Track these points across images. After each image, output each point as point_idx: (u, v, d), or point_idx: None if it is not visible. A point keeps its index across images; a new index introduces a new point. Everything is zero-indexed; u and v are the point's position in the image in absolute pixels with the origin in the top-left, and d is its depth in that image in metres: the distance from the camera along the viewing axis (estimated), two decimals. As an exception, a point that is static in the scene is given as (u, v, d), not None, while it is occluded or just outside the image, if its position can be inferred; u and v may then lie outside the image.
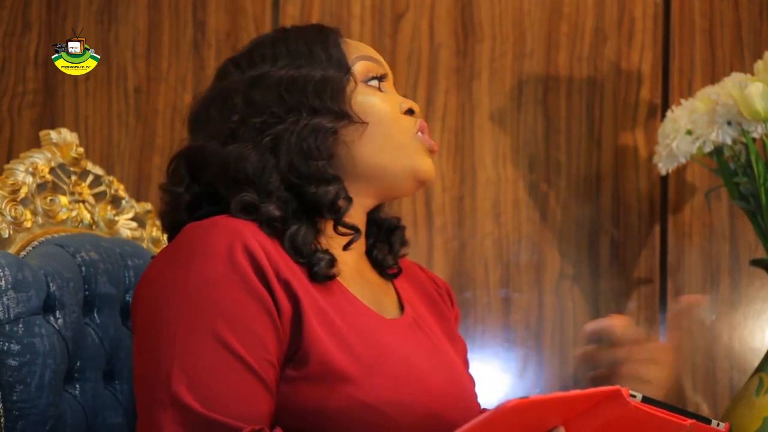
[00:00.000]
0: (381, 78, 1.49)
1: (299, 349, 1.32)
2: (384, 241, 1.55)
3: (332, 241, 1.44)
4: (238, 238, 1.32)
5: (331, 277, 1.40)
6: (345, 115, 1.42)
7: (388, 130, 1.45)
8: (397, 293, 1.53)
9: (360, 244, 1.50)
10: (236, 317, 1.29)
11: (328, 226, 1.44)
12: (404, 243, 1.58)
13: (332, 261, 1.40)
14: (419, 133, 1.48)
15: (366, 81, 1.47)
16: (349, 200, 1.43)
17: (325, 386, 1.31)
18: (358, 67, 1.47)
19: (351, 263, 1.47)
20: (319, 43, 1.47)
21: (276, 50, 1.47)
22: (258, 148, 1.40)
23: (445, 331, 1.56)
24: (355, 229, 1.45)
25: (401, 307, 1.51)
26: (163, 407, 1.27)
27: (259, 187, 1.38)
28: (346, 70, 1.45)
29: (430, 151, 1.49)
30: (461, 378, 1.50)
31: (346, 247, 1.45)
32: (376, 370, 1.34)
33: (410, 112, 1.49)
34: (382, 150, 1.44)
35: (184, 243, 1.35)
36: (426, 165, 1.47)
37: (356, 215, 1.46)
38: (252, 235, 1.33)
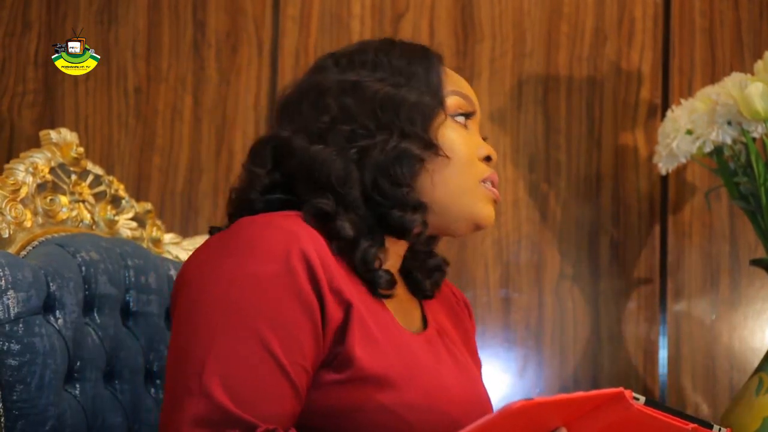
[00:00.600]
0: (468, 115, 1.49)
1: (339, 354, 1.33)
2: (424, 270, 1.56)
3: (388, 259, 1.45)
4: (296, 242, 1.31)
5: (390, 296, 1.42)
6: (432, 146, 1.42)
7: (460, 170, 1.44)
8: (422, 307, 1.54)
9: (396, 261, 1.50)
10: (280, 319, 1.29)
11: (388, 243, 1.45)
12: (438, 285, 1.58)
13: (392, 281, 1.41)
14: (488, 182, 1.47)
15: (454, 115, 1.47)
16: (426, 226, 1.44)
17: (360, 391, 1.32)
18: (451, 101, 1.47)
19: None
20: (421, 65, 1.47)
21: (378, 59, 1.46)
22: (344, 156, 1.39)
23: (465, 343, 1.58)
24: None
25: (424, 321, 1.52)
26: (190, 396, 1.26)
27: (339, 196, 1.39)
28: (440, 100, 1.45)
29: (494, 201, 1.48)
30: (481, 390, 1.52)
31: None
32: (407, 380, 1.35)
33: (488, 159, 1.49)
34: (447, 187, 1.44)
35: (240, 236, 1.34)
36: (486, 213, 1.47)
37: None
38: (309, 240, 1.33)
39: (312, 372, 1.32)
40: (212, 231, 1.45)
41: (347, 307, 1.34)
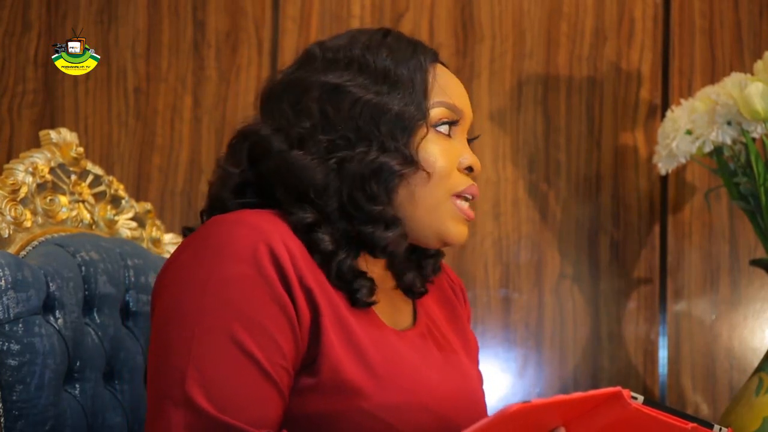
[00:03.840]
0: (453, 123, 1.43)
1: (315, 357, 1.31)
2: (412, 265, 1.51)
3: (370, 264, 1.43)
4: (264, 239, 1.29)
5: (372, 304, 1.38)
6: (413, 161, 1.37)
7: (436, 184, 1.39)
8: (414, 301, 1.51)
9: (381, 261, 1.47)
10: (255, 320, 1.28)
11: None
12: (436, 270, 1.54)
13: (373, 289, 1.38)
14: (462, 198, 1.42)
15: (437, 125, 1.41)
16: (405, 238, 1.41)
17: (336, 397, 1.30)
18: (435, 111, 1.41)
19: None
20: (409, 68, 1.41)
21: (364, 59, 1.40)
22: (323, 166, 1.36)
23: (459, 334, 1.55)
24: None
25: (415, 316, 1.49)
26: (175, 405, 1.25)
27: (317, 207, 1.36)
28: (423, 112, 1.40)
29: (466, 220, 1.43)
30: (472, 387, 1.49)
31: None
32: (387, 381, 1.33)
33: (469, 169, 1.43)
34: (421, 202, 1.40)
35: (209, 238, 1.32)
36: (456, 232, 1.42)
37: None
38: (279, 237, 1.31)
39: (293, 372, 1.31)
40: (185, 232, 1.43)
41: (315, 308, 1.32)
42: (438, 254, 1.54)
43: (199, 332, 1.27)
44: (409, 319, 1.49)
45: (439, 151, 1.40)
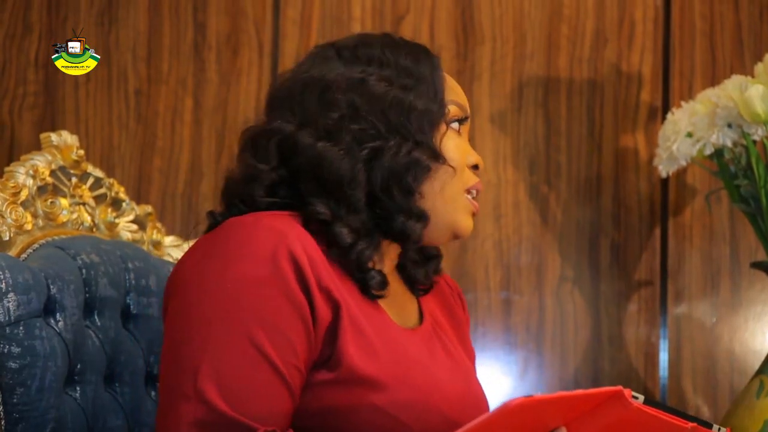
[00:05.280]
0: (462, 121, 1.47)
1: (332, 355, 1.33)
2: (419, 263, 1.55)
3: (383, 259, 1.45)
4: (284, 242, 1.31)
5: (382, 297, 1.41)
6: (440, 156, 1.42)
7: (454, 179, 1.44)
8: (418, 301, 1.54)
9: (391, 260, 1.49)
10: (271, 321, 1.29)
11: (384, 244, 1.44)
12: (438, 272, 1.58)
13: (384, 282, 1.41)
14: (470, 193, 1.47)
15: (450, 122, 1.46)
16: (422, 236, 1.44)
17: (353, 393, 1.32)
18: (450, 109, 1.45)
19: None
20: (426, 67, 1.45)
21: (384, 56, 1.44)
22: (352, 156, 1.38)
23: (459, 336, 1.58)
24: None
25: (421, 316, 1.52)
26: (186, 400, 1.27)
27: (343, 198, 1.38)
28: (443, 109, 1.44)
29: (473, 213, 1.48)
30: (475, 386, 1.52)
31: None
32: (400, 380, 1.35)
33: (475, 167, 1.48)
34: (440, 196, 1.43)
35: (227, 239, 1.33)
36: (466, 224, 1.47)
37: None
38: (297, 240, 1.32)
39: (305, 372, 1.32)
40: (211, 220, 1.43)
41: (336, 307, 1.33)
42: (439, 255, 1.58)
43: (215, 330, 1.28)
44: (415, 317, 1.51)
45: (454, 147, 1.45)
